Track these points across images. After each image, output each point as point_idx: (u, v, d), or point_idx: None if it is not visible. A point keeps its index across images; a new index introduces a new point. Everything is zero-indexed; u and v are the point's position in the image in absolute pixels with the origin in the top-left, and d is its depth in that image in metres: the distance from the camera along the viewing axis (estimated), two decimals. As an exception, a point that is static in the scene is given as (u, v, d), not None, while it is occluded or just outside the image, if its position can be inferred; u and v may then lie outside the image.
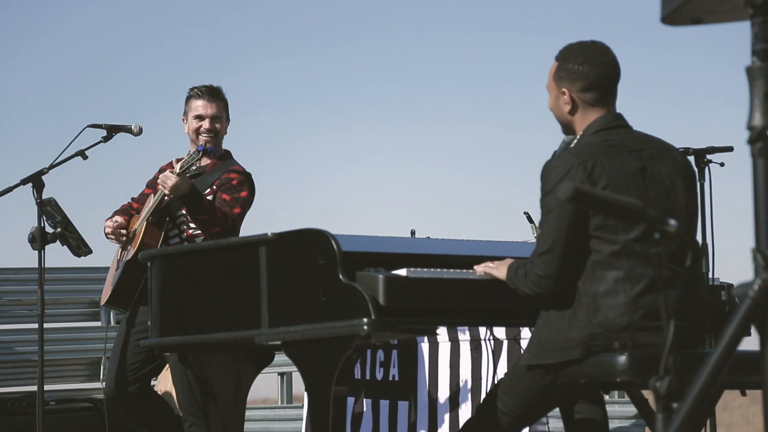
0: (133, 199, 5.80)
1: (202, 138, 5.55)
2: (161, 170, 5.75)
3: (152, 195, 5.54)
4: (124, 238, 5.56)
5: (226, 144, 5.75)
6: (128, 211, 5.71)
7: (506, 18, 12.96)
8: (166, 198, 5.44)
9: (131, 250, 5.49)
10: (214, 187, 5.52)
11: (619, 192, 3.70)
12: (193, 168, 5.35)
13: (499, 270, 3.92)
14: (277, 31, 13.08)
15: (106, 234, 5.62)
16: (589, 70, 3.83)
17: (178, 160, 5.61)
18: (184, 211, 5.48)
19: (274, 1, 13.06)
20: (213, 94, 5.60)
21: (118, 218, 5.60)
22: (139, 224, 5.52)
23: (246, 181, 5.55)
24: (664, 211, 3.74)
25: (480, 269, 3.97)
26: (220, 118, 5.60)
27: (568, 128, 3.95)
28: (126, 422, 6.48)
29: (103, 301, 5.64)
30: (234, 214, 5.45)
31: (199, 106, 5.60)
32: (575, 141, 3.88)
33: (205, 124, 5.58)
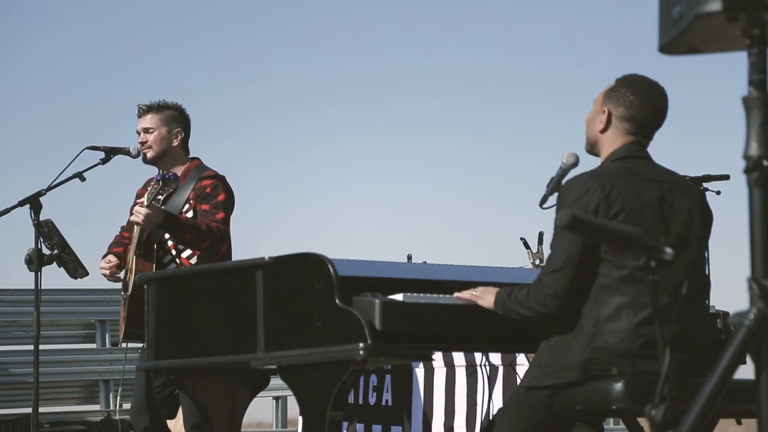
0: (122, 228, 5.84)
1: (144, 151, 5.72)
2: (137, 195, 5.83)
3: (135, 227, 5.58)
4: (121, 277, 5.62)
5: (194, 151, 5.85)
6: (121, 243, 5.75)
7: (512, 44, 12.94)
8: (144, 230, 5.49)
9: (129, 287, 5.53)
10: (192, 201, 5.57)
11: (634, 217, 3.71)
12: (159, 197, 5.39)
13: (485, 299, 3.90)
14: (268, 48, 13.06)
15: (105, 276, 5.68)
16: (638, 104, 3.86)
17: (147, 185, 5.73)
18: (167, 236, 5.52)
19: (264, 21, 13.03)
20: (145, 110, 5.78)
21: (111, 257, 5.63)
22: (129, 261, 5.56)
23: (220, 184, 5.62)
24: (680, 241, 3.76)
25: (463, 296, 3.97)
26: (151, 130, 5.72)
27: (592, 146, 3.98)
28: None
29: (120, 338, 5.71)
30: (218, 220, 5.51)
31: (138, 123, 5.77)
32: (598, 166, 3.90)
33: (139, 138, 5.74)
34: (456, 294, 3.95)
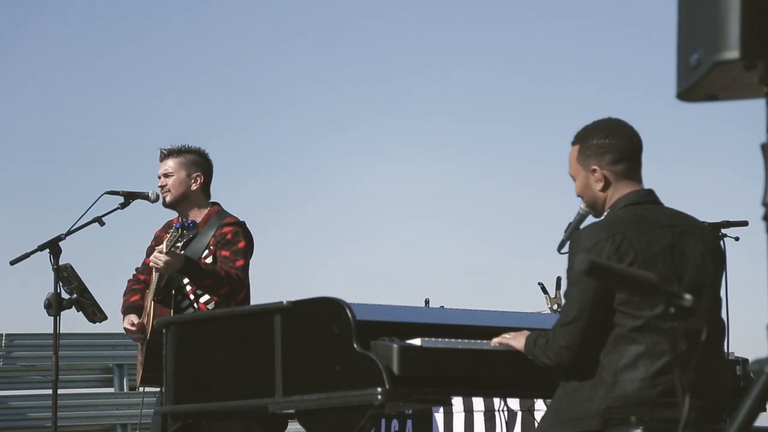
0: (137, 270, 5.85)
1: (163, 195, 5.75)
2: (156, 237, 5.84)
3: (153, 272, 5.60)
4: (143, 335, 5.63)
5: (215, 196, 5.87)
6: (136, 290, 5.76)
7: (535, 72, 12.81)
8: (163, 276, 5.51)
9: (147, 333, 5.54)
10: (212, 247, 5.60)
11: (647, 267, 3.68)
12: (178, 244, 5.42)
13: (516, 340, 3.92)
14: (274, 83, 13.02)
15: (132, 338, 5.71)
16: (617, 141, 3.84)
17: (166, 228, 5.75)
18: (186, 281, 5.54)
19: (260, 52, 13.00)
20: (165, 154, 5.82)
21: (134, 318, 5.63)
22: (148, 306, 5.58)
23: (240, 231, 5.65)
24: (694, 288, 3.74)
25: (497, 340, 3.98)
26: (170, 174, 5.77)
27: (599, 209, 3.92)
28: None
29: (138, 382, 5.71)
30: (238, 267, 5.54)
31: (159, 168, 5.82)
32: (605, 214, 3.88)
33: (159, 182, 5.79)
34: (493, 340, 3.97)
